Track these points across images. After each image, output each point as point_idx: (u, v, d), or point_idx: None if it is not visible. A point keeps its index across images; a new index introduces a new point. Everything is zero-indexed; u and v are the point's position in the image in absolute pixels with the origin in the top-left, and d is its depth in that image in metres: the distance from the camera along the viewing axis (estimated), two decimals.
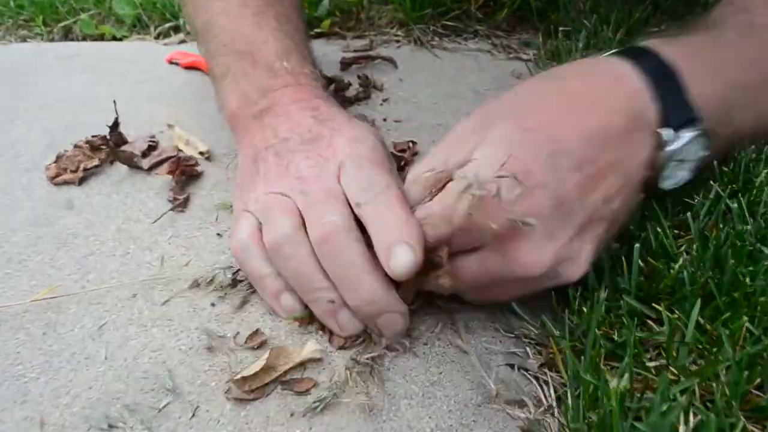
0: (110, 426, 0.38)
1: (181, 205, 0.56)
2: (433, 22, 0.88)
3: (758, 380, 0.34)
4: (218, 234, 0.54)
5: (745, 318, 0.36)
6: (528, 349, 0.41)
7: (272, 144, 0.47)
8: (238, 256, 0.45)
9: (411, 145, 0.62)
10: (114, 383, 0.41)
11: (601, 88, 0.40)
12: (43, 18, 1.05)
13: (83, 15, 1.04)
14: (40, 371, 0.42)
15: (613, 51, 0.44)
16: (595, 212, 0.37)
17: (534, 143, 0.37)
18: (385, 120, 0.69)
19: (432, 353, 0.42)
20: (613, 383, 0.31)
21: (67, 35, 1.04)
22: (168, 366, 0.42)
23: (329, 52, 0.85)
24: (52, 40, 1.03)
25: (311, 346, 0.41)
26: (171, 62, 0.85)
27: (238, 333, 0.44)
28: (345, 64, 0.79)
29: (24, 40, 1.04)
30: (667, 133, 0.40)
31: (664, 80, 0.40)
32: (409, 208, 0.39)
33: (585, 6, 0.82)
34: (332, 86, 0.73)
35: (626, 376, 0.32)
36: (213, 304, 0.46)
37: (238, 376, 0.39)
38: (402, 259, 0.36)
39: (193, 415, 0.39)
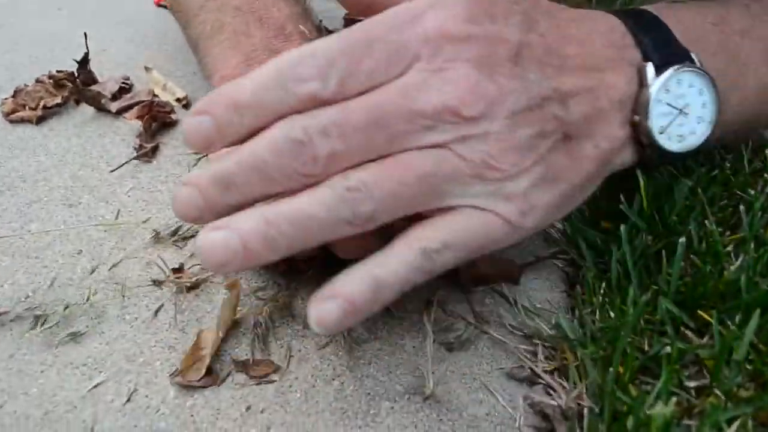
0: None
1: (147, 154, 0.49)
2: None
3: None
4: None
5: None
6: (540, 351, 0.34)
7: None
8: None
9: None
10: (39, 353, 0.34)
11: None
12: None
13: None
14: None
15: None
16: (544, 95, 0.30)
17: None
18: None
19: (421, 347, 0.35)
20: (656, 408, 0.24)
21: None
22: (106, 338, 0.35)
23: (331, 8, 0.78)
24: None
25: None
26: (159, 5, 0.77)
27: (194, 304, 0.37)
28: (348, 21, 0.72)
29: None
30: (648, 66, 0.34)
31: (643, 21, 0.36)
32: None
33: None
34: None
35: (671, 399, 0.25)
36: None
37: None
38: None
39: (128, 399, 0.32)
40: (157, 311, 0.36)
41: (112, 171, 0.47)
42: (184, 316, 0.36)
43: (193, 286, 0.38)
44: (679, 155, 0.35)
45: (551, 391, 0.32)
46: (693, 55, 0.35)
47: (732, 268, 0.32)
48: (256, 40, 0.43)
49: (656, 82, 0.33)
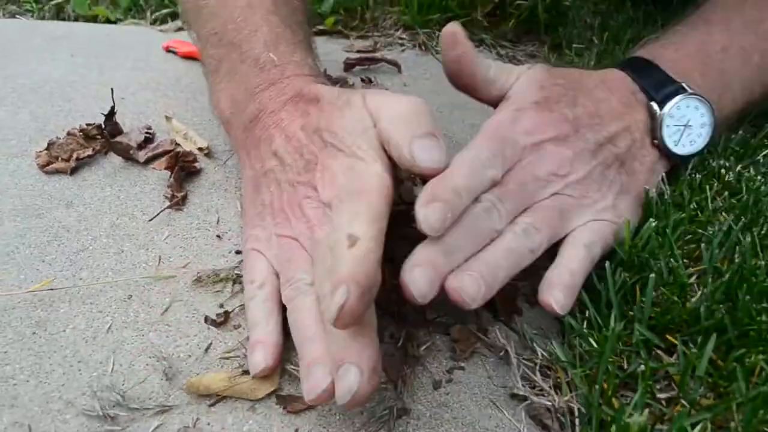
0: (107, 428, 0.37)
1: (178, 203, 0.54)
2: (439, 28, 0.87)
3: None
4: (218, 236, 0.52)
5: (760, 356, 0.36)
6: (537, 372, 0.41)
7: (270, 168, 0.46)
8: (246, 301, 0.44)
9: None
10: (109, 390, 0.39)
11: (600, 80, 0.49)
12: None
13: None
14: (30, 373, 0.41)
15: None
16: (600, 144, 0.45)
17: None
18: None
19: (438, 373, 0.41)
20: (633, 418, 0.31)
21: (58, 14, 1.01)
22: (167, 374, 0.40)
23: (332, 51, 0.84)
24: (43, 18, 1.00)
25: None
26: (168, 50, 0.83)
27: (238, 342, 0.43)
28: (349, 65, 0.78)
29: (13, 15, 1.01)
30: (653, 104, 0.48)
31: (641, 67, 0.50)
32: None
33: (593, 21, 0.81)
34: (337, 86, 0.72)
35: (645, 411, 0.32)
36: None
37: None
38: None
39: (193, 426, 0.37)
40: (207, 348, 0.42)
41: (150, 220, 0.52)
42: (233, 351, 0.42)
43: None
44: (694, 155, 0.49)
45: (547, 398, 0.38)
46: (684, 85, 0.48)
47: (693, 299, 0.39)
48: (237, 82, 0.52)
49: (663, 115, 0.47)
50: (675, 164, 0.50)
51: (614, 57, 0.73)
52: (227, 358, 0.42)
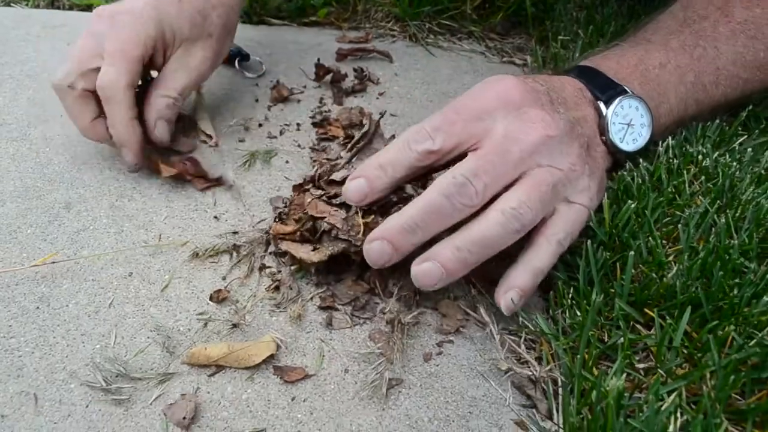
0: (113, 400, 0.38)
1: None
2: (429, 20, 0.89)
3: (741, 385, 0.36)
4: (215, 217, 0.54)
5: (731, 327, 0.38)
6: (522, 345, 0.43)
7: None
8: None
9: None
10: (111, 363, 0.41)
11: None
12: None
13: None
14: (35, 345, 0.42)
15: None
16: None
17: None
18: (382, 115, 0.69)
19: (428, 345, 0.43)
20: (611, 382, 0.33)
21: (53, 2, 1.01)
22: (167, 347, 0.42)
23: (324, 42, 0.86)
24: (38, 6, 1.00)
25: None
26: None
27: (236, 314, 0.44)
28: (341, 56, 0.80)
29: (8, 4, 1.01)
30: (600, 103, 0.50)
31: (585, 73, 0.53)
32: None
33: (579, 15, 0.83)
34: (329, 76, 0.73)
35: (623, 376, 0.34)
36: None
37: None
38: (126, 158, 0.55)
39: (195, 393, 0.39)
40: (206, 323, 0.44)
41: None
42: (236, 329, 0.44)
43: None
44: (637, 152, 0.52)
45: (530, 369, 0.40)
46: (626, 87, 0.51)
47: (670, 275, 0.41)
48: None
49: (608, 112, 0.50)
50: (617, 161, 0.52)
51: (598, 48, 0.75)
52: (230, 328, 0.43)
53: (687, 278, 0.41)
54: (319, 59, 0.74)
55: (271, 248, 0.49)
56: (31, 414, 0.38)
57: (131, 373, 0.40)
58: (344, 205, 0.46)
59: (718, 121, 0.60)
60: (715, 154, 0.55)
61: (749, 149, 0.56)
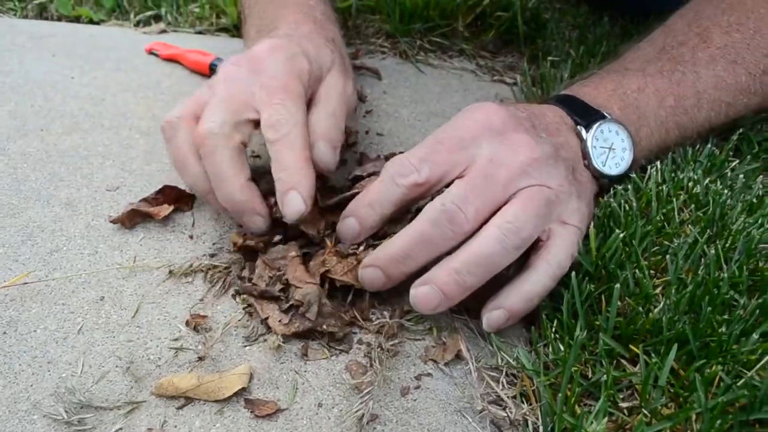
0: (73, 430, 0.37)
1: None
2: (420, 37, 0.88)
3: (728, 428, 0.35)
4: (190, 236, 0.52)
5: (719, 367, 0.37)
6: (504, 379, 0.41)
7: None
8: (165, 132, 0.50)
9: None
10: (77, 392, 0.39)
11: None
12: None
13: None
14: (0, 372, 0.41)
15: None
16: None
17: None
18: (367, 132, 0.68)
19: (406, 379, 0.42)
20: (593, 426, 0.32)
21: (41, 13, 1.00)
22: (136, 376, 0.40)
23: None
24: (26, 17, 0.99)
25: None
26: (150, 52, 0.83)
27: (205, 345, 0.43)
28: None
29: None
30: (580, 128, 0.50)
31: (564, 100, 0.53)
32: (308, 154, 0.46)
33: (571, 35, 0.83)
34: None
35: (604, 420, 0.32)
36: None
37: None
38: (294, 204, 0.44)
39: (160, 428, 0.37)
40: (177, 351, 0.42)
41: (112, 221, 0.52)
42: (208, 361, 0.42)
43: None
44: (620, 176, 0.51)
45: (506, 410, 0.39)
46: (605, 112, 0.51)
47: (656, 309, 0.40)
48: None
49: (588, 137, 0.50)
50: (601, 186, 0.52)
51: (589, 69, 0.74)
52: (197, 360, 0.42)
53: (674, 313, 0.40)
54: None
55: (246, 272, 0.48)
56: None
57: (96, 404, 0.39)
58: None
59: (709, 145, 0.59)
60: (706, 181, 0.54)
61: (741, 175, 0.55)
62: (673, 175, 0.54)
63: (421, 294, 0.41)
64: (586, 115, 0.51)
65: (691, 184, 0.52)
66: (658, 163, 0.55)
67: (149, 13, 0.96)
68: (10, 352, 0.42)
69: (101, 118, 0.67)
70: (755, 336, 0.38)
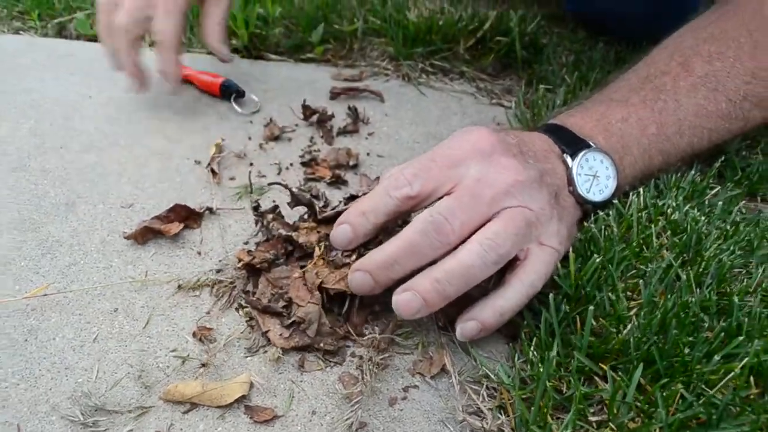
0: (89, 431, 0.40)
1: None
2: (423, 60, 0.91)
3: None
4: (198, 252, 0.56)
5: (681, 385, 0.40)
6: (484, 392, 0.44)
7: None
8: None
9: None
10: (92, 396, 0.43)
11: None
12: (39, 12, 1.06)
13: (79, 14, 1.05)
14: (21, 377, 0.44)
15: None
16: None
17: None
18: (368, 154, 0.72)
19: (394, 390, 0.45)
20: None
21: (61, 32, 1.04)
22: (146, 383, 0.44)
23: (320, 78, 0.88)
24: (46, 35, 1.03)
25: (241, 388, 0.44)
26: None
27: (209, 353, 0.46)
28: (334, 94, 0.82)
29: (17, 32, 1.04)
30: (566, 156, 0.54)
31: (552, 130, 0.56)
32: None
33: (567, 60, 0.86)
34: (315, 116, 0.76)
35: (570, 429, 0.36)
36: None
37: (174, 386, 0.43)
38: None
39: (168, 430, 0.41)
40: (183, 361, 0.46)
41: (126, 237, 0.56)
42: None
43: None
44: (603, 202, 0.55)
45: (484, 421, 0.42)
46: (590, 142, 0.55)
47: (625, 331, 0.43)
48: None
49: (574, 165, 0.53)
50: (585, 212, 0.55)
51: (581, 95, 0.77)
52: (201, 369, 0.45)
53: (642, 334, 0.43)
54: (305, 100, 0.77)
55: (250, 287, 0.51)
56: None
57: (109, 407, 0.42)
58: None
59: (692, 171, 0.63)
60: (686, 207, 0.57)
61: (720, 202, 0.58)
62: (653, 201, 0.57)
63: (403, 300, 0.44)
64: (572, 144, 0.54)
65: (669, 210, 0.55)
66: (641, 189, 0.58)
67: None
68: (31, 358, 0.46)
69: (117, 137, 0.71)
70: (717, 357, 0.41)
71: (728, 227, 0.54)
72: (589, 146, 0.54)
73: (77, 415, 0.41)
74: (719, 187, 0.63)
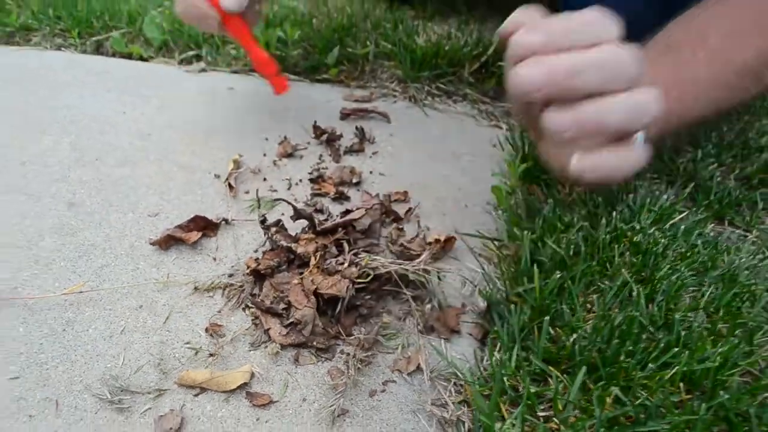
0: (116, 409, 0.48)
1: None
2: (429, 83, 0.99)
3: None
4: (214, 259, 0.64)
5: (615, 387, 0.46)
6: (452, 388, 0.51)
7: None
8: None
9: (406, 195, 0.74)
10: (119, 379, 0.51)
11: None
12: (79, 30, 1.16)
13: (115, 33, 1.14)
14: (59, 361, 0.52)
15: None
16: None
17: None
18: (371, 172, 0.79)
19: (375, 384, 0.52)
20: (502, 427, 0.42)
21: (98, 49, 1.14)
22: (164, 369, 0.52)
23: (333, 98, 0.96)
24: (84, 51, 1.13)
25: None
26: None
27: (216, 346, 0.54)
28: (344, 114, 0.90)
29: (59, 48, 1.14)
30: None
31: None
32: None
33: None
34: (325, 136, 0.83)
35: (510, 421, 0.42)
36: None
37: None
38: None
39: (180, 410, 0.49)
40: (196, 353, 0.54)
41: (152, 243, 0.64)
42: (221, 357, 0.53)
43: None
44: None
45: (447, 411, 0.49)
46: None
47: (571, 339, 0.49)
48: None
49: None
50: None
51: None
52: (210, 357, 0.53)
53: (589, 342, 0.49)
54: (315, 121, 0.85)
55: (256, 291, 0.59)
56: (53, 416, 0.48)
57: (132, 389, 0.50)
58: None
59: (665, 196, 0.69)
60: (653, 229, 0.63)
61: (683, 226, 0.64)
62: (621, 224, 0.63)
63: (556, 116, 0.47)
64: None
65: (631, 233, 0.61)
66: (614, 212, 0.64)
67: (191, 52, 1.09)
68: (68, 346, 0.54)
69: (147, 152, 0.80)
70: (652, 365, 0.47)
71: (683, 249, 0.60)
72: None
73: (105, 394, 0.49)
74: (687, 211, 0.68)
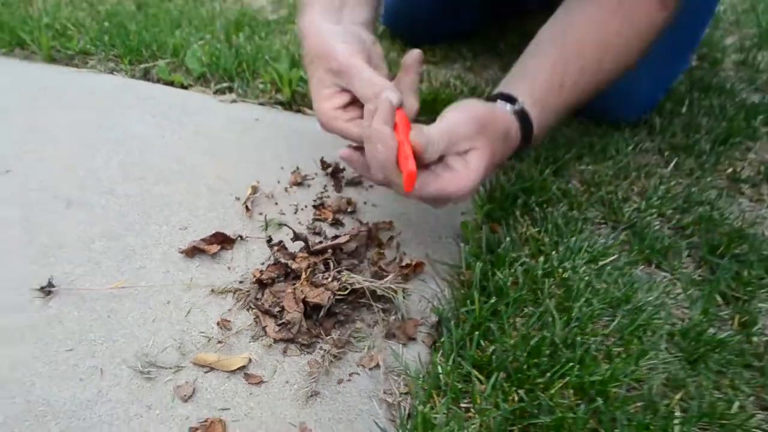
0: (145, 378, 0.64)
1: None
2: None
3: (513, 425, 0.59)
4: (228, 268, 0.80)
5: (521, 389, 0.61)
6: (401, 381, 0.66)
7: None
8: None
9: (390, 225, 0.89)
10: (149, 356, 0.67)
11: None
12: (129, 58, 1.34)
13: (161, 62, 1.32)
14: (104, 340, 0.69)
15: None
16: None
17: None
18: (365, 203, 0.95)
19: (342, 374, 0.67)
20: (420, 408, 0.57)
21: (146, 75, 1.32)
22: (183, 351, 0.68)
23: None
24: (133, 76, 1.31)
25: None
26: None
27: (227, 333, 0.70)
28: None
29: (111, 72, 1.32)
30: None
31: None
32: None
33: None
34: (330, 168, 0.99)
35: (437, 408, 0.57)
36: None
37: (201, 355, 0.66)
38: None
39: (192, 383, 0.65)
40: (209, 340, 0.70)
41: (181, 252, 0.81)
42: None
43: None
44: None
45: (395, 399, 0.64)
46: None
47: (490, 350, 0.64)
48: None
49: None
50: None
51: (548, 169, 0.98)
52: (219, 344, 0.69)
53: (507, 354, 0.64)
54: (323, 157, 1.01)
55: (258, 295, 0.75)
56: (98, 380, 0.64)
57: (158, 364, 0.66)
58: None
59: (602, 239, 0.83)
60: (583, 268, 0.77)
61: (608, 267, 0.79)
62: (556, 263, 0.78)
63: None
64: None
65: (562, 270, 0.76)
66: (554, 252, 0.79)
67: (225, 84, 1.26)
68: (111, 329, 0.70)
69: (182, 174, 0.96)
70: (549, 374, 0.62)
71: (600, 286, 0.75)
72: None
73: (138, 366, 0.65)
74: (619, 254, 0.83)
